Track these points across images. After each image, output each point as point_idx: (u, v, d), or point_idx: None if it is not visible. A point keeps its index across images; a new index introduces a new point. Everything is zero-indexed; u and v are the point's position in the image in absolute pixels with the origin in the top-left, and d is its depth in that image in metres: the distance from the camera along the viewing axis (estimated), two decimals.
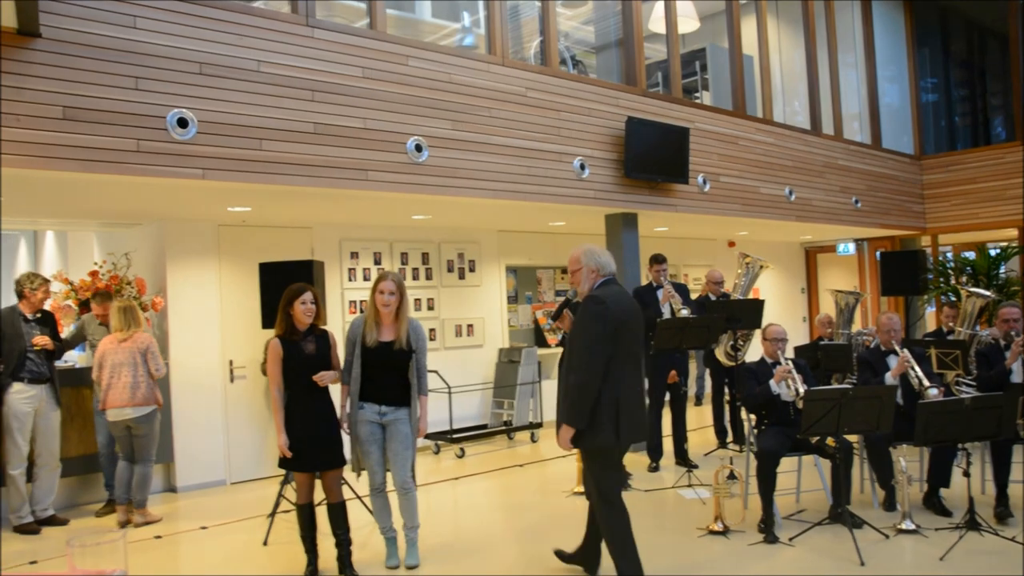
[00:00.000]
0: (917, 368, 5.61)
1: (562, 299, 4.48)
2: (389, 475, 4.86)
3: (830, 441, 5.31)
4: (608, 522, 4.17)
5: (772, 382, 5.56)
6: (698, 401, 11.28)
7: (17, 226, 9.81)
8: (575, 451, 4.38)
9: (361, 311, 7.72)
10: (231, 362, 7.57)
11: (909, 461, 5.38)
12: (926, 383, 5.48)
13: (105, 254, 7.62)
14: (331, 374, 4.73)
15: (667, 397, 7.51)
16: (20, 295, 6.07)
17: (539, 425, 9.26)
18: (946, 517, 5.42)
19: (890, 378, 5.68)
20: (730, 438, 8.23)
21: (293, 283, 4.84)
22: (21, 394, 5.90)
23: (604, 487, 4.19)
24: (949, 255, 12.55)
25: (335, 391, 4.82)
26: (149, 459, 6.12)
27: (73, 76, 4.85)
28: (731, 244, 12.59)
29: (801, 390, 5.39)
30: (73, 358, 6.83)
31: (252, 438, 7.53)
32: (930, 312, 12.44)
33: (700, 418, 9.89)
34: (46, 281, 6.22)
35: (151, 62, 5.16)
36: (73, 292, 7.06)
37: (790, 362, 5.69)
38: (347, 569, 4.73)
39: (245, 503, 6.71)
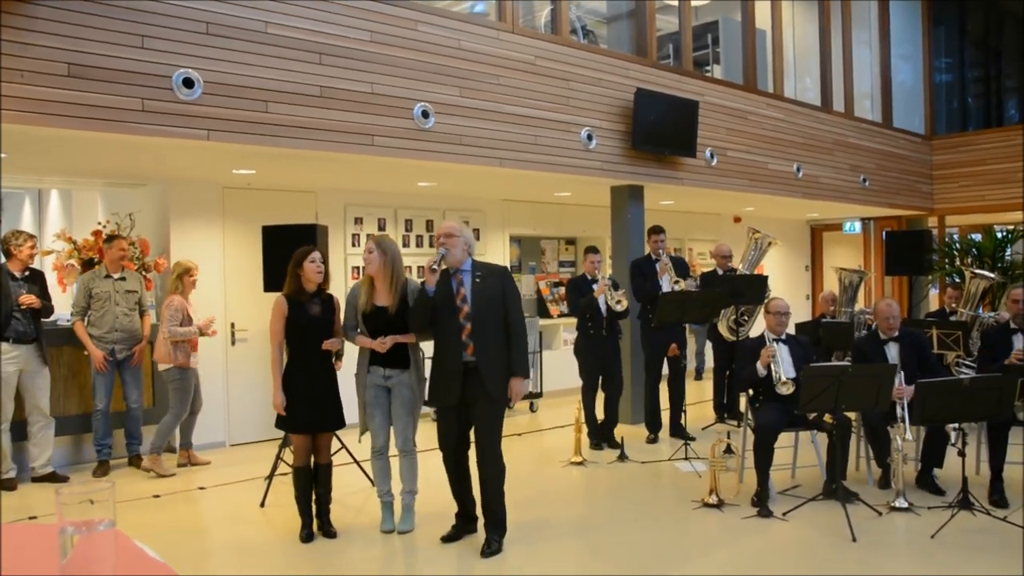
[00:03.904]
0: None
1: (441, 255, 4.55)
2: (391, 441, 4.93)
3: (827, 418, 5.33)
4: (503, 467, 4.58)
5: (759, 364, 5.54)
6: (698, 376, 11.31)
7: (22, 184, 9.80)
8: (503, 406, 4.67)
9: None
10: (233, 324, 7.60)
11: (905, 440, 5.40)
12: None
13: (109, 214, 7.61)
14: (337, 341, 4.80)
15: (666, 370, 7.54)
16: (7, 253, 6.04)
17: (539, 395, 9.30)
18: (939, 496, 5.44)
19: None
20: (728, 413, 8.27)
21: (300, 246, 4.91)
22: (5, 354, 5.87)
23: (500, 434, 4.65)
24: (956, 236, 12.49)
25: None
26: (170, 410, 6.47)
27: (78, 33, 4.82)
28: (737, 219, 12.55)
29: (783, 377, 5.36)
30: (66, 316, 6.75)
31: (252, 401, 7.57)
32: (934, 293, 12.41)
33: (699, 393, 9.92)
34: (31, 237, 6.21)
35: (157, 20, 5.13)
36: (76, 251, 7.06)
37: (778, 344, 5.67)
38: (326, 526, 4.87)
39: (244, 465, 6.77)
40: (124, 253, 6.53)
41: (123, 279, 6.51)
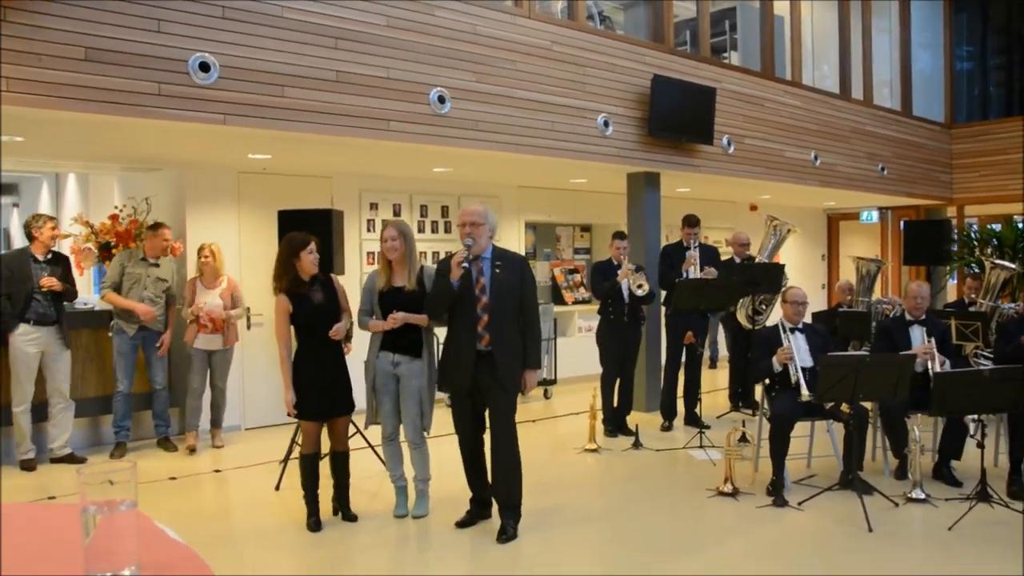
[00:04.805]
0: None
1: (468, 247, 4.45)
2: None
3: (844, 407, 5.28)
4: (518, 453, 4.59)
5: (775, 360, 5.50)
6: (712, 364, 11.27)
7: (39, 168, 9.84)
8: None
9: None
10: (248, 309, 7.60)
11: (923, 431, 5.36)
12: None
13: (126, 198, 7.64)
14: (343, 325, 4.76)
15: (683, 358, 7.50)
16: (30, 237, 6.12)
17: (553, 382, 9.29)
18: (957, 488, 5.41)
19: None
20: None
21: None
22: (26, 336, 5.94)
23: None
24: (975, 226, 12.36)
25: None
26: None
27: (95, 17, 4.82)
28: (753, 208, 12.47)
29: (804, 390, 5.25)
30: (92, 300, 6.87)
31: (267, 385, 7.59)
32: (952, 284, 12.30)
33: (714, 381, 9.89)
34: (52, 218, 6.29)
35: (174, 4, 5.11)
36: (93, 235, 7.09)
37: (794, 333, 5.63)
38: (345, 510, 4.89)
39: (259, 448, 6.80)
40: (168, 243, 6.67)
41: (156, 265, 6.58)
